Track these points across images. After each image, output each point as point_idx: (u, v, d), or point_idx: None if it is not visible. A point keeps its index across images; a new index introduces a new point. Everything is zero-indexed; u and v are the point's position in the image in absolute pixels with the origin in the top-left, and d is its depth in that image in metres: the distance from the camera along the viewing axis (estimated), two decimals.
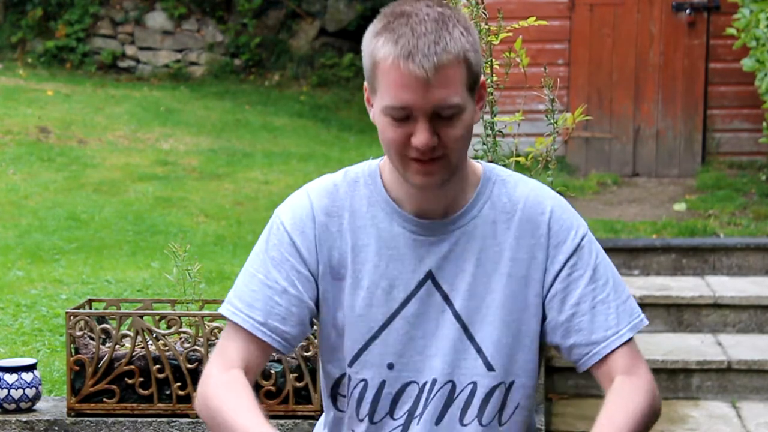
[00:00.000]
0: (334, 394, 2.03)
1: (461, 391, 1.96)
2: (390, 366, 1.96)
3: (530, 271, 1.95)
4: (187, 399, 3.82)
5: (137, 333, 3.82)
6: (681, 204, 6.82)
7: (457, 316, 1.94)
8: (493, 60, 3.85)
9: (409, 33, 1.80)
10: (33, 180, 8.44)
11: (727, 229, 6.16)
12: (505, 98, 5.30)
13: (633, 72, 7.63)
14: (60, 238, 7.00)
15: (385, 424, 1.99)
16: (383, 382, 1.97)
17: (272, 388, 3.77)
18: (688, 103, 7.61)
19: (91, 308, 4.03)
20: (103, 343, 3.88)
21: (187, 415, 3.82)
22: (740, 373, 4.89)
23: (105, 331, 3.85)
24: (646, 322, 1.98)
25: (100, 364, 3.83)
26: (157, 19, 12.79)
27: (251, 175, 8.82)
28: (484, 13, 3.83)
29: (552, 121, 3.87)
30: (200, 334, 3.76)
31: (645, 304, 4.97)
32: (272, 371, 3.77)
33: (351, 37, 12.27)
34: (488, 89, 3.77)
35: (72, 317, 3.83)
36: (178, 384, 3.82)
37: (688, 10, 7.50)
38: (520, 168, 3.82)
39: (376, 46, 1.84)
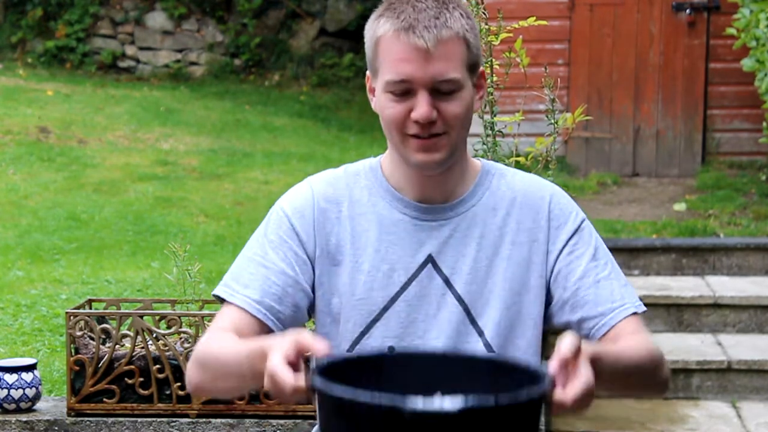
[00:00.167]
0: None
1: None
2: (391, 349, 1.96)
3: (531, 255, 1.97)
4: (187, 399, 3.82)
5: (137, 333, 3.82)
6: (681, 204, 6.82)
7: (460, 299, 1.96)
8: (493, 60, 3.85)
9: (410, 9, 1.86)
10: (33, 180, 8.44)
11: (727, 229, 6.16)
12: (505, 98, 5.30)
13: (633, 72, 7.63)
14: (60, 238, 7.01)
15: None
16: None
17: None
18: (688, 103, 7.61)
19: (91, 308, 4.03)
20: (103, 343, 3.88)
21: (187, 415, 3.82)
22: (740, 373, 4.89)
23: (105, 331, 3.85)
24: (645, 308, 2.01)
25: (100, 364, 3.83)
26: (157, 19, 12.79)
27: (251, 175, 8.82)
28: (484, 13, 3.83)
29: (552, 121, 3.87)
30: (200, 334, 3.76)
31: (645, 304, 4.91)
32: None
33: (351, 37, 12.27)
34: (488, 89, 3.77)
35: (72, 317, 3.83)
36: (178, 384, 3.82)
37: (688, 10, 7.50)
38: (520, 168, 3.81)
39: (378, 25, 1.90)
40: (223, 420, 3.81)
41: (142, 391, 3.83)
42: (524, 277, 1.96)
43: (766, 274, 5.61)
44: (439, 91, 1.86)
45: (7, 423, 3.87)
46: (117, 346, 3.84)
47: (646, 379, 1.92)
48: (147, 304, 4.06)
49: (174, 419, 3.84)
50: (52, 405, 4.01)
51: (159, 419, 3.84)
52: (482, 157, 3.87)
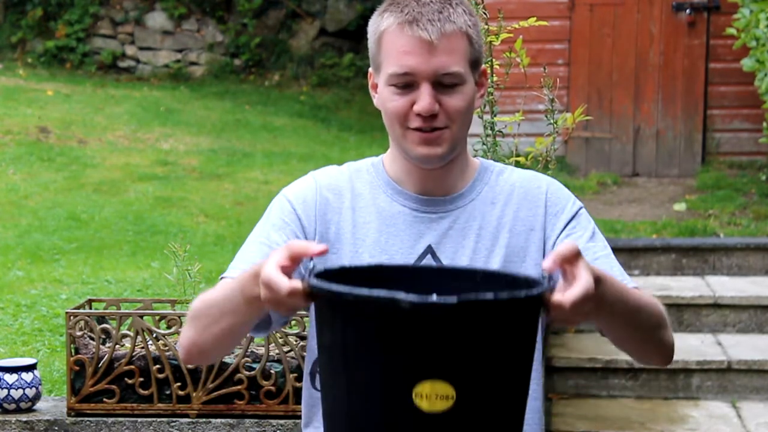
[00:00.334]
0: (314, 372, 2.03)
1: None
2: None
3: (528, 243, 1.98)
4: (187, 399, 3.82)
5: (137, 333, 3.82)
6: (681, 204, 6.83)
7: None
8: (493, 60, 3.85)
9: (414, 3, 1.89)
10: (33, 180, 8.44)
11: (727, 229, 6.16)
12: (505, 98, 5.29)
13: (633, 72, 7.63)
14: (60, 238, 7.01)
15: None
16: None
17: (272, 388, 3.77)
18: (688, 103, 7.61)
19: (91, 308, 4.03)
20: (103, 343, 3.88)
21: (187, 415, 3.82)
22: (740, 373, 4.89)
23: (105, 331, 3.85)
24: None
25: (100, 364, 3.83)
26: (157, 19, 12.79)
27: (251, 175, 8.82)
28: (485, 13, 3.83)
29: (552, 121, 3.87)
30: None
31: None
32: (272, 371, 3.77)
33: (351, 37, 12.27)
34: (488, 89, 3.77)
35: (72, 317, 3.83)
36: (178, 384, 3.82)
37: (688, 10, 7.50)
38: (520, 168, 3.82)
39: (381, 20, 1.92)
40: (223, 420, 3.81)
41: (142, 391, 3.83)
42: (520, 265, 1.98)
43: (766, 274, 5.62)
44: (442, 84, 1.88)
45: (7, 423, 3.87)
46: (117, 346, 3.84)
47: (649, 332, 1.88)
48: (147, 304, 4.06)
49: (174, 419, 3.83)
50: (52, 405, 4.01)
51: (159, 419, 3.84)
52: (482, 156, 3.88)
